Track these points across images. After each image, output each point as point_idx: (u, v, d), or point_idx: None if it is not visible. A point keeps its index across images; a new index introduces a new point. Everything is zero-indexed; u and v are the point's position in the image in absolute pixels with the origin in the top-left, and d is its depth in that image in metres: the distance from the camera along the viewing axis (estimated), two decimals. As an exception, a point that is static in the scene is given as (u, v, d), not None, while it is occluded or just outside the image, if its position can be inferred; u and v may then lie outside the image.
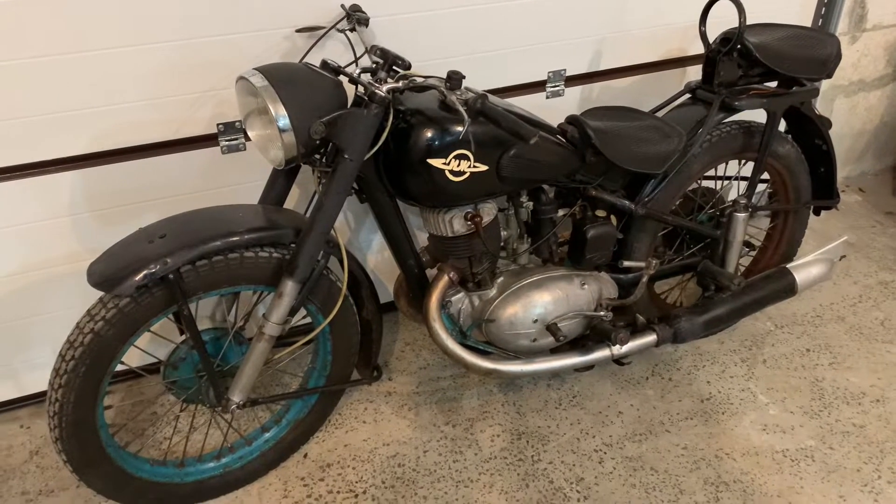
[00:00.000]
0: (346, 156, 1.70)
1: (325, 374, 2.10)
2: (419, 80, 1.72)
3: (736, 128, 2.32)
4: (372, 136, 1.72)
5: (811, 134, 2.49)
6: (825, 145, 2.47)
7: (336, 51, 2.19)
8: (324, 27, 2.03)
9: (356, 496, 2.09)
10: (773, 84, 2.36)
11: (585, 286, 2.18)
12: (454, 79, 1.64)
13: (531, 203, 2.13)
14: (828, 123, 2.50)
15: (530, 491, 2.10)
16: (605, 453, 2.22)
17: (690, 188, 2.46)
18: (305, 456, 2.22)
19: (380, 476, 2.15)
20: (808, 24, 2.97)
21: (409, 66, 1.76)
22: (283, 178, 1.89)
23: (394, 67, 1.76)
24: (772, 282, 2.39)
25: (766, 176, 2.54)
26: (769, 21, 2.58)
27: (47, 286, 2.21)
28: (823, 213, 3.39)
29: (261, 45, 2.11)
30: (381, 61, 1.75)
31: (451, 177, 1.81)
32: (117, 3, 1.92)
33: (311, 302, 1.91)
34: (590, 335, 2.23)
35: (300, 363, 2.54)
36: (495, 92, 2.48)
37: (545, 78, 2.55)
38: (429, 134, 1.76)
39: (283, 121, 1.62)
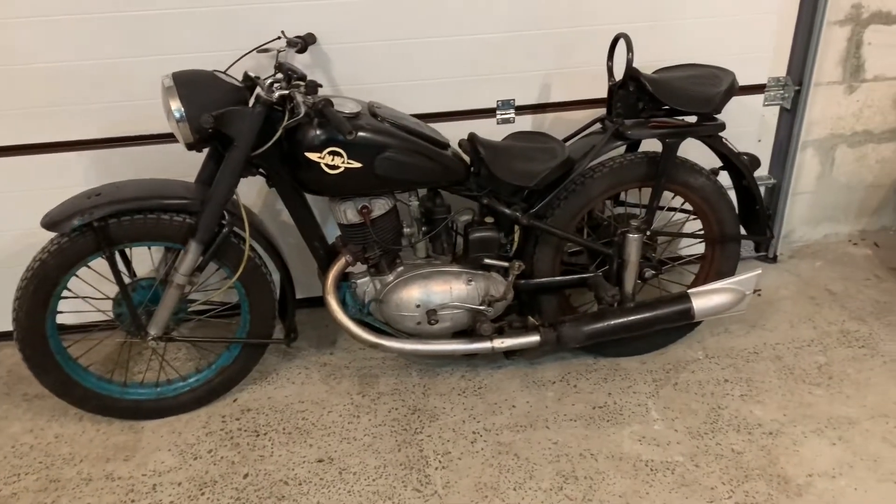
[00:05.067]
0: (234, 144, 2.15)
1: (245, 330, 2.54)
2: (302, 87, 2.14)
3: (641, 156, 2.51)
4: (257, 129, 2.15)
5: (738, 171, 2.60)
6: (746, 182, 2.58)
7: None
8: (275, 49, 2.50)
9: (258, 436, 2.50)
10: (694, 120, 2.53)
11: (472, 283, 2.47)
12: (310, 86, 2.06)
13: (416, 202, 2.46)
14: (756, 162, 2.61)
15: (399, 455, 2.40)
16: (481, 436, 2.46)
17: (609, 214, 2.67)
18: (235, 400, 2.66)
19: (283, 424, 2.54)
20: (784, 71, 3.04)
21: (303, 77, 2.19)
22: (211, 163, 2.37)
23: (293, 79, 2.20)
24: (666, 304, 2.53)
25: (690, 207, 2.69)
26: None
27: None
28: (819, 262, 3.39)
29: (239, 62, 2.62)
30: (281, 74, 2.20)
31: (326, 169, 2.20)
32: (141, 28, 2.54)
33: (224, 264, 2.37)
34: (473, 327, 2.50)
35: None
36: (447, 115, 2.84)
37: (496, 105, 2.87)
38: (308, 131, 2.17)
39: (178, 112, 2.10)
